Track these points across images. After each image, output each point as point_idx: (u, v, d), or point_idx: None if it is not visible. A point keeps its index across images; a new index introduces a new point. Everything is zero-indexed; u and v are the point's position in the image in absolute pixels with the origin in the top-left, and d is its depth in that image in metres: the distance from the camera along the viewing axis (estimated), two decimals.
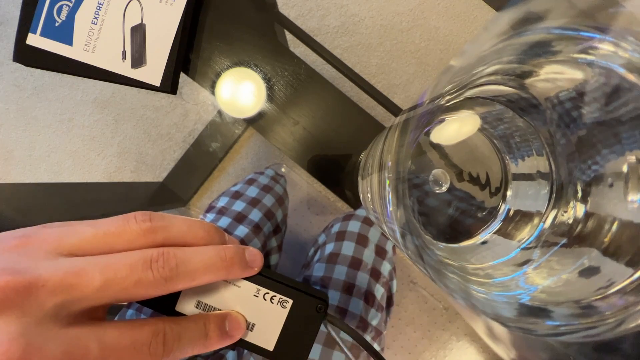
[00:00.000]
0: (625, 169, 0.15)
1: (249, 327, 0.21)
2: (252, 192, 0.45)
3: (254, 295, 0.20)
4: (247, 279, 0.20)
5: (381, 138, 0.20)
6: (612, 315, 0.13)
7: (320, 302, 0.20)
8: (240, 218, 0.42)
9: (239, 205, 0.43)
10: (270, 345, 0.20)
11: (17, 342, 0.12)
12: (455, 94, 0.18)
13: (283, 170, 0.88)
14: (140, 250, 0.15)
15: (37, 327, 0.12)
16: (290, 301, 0.20)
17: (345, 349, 0.20)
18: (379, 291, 0.38)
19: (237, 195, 0.45)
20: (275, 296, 0.20)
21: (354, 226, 0.41)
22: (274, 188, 0.48)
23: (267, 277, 0.20)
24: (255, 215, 0.43)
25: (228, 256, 0.17)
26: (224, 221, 0.41)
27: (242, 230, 0.41)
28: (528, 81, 0.17)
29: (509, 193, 0.21)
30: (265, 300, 0.20)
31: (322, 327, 0.35)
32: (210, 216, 0.43)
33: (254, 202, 0.44)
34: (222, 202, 0.44)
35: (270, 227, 0.44)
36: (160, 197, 0.88)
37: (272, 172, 0.51)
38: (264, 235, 0.43)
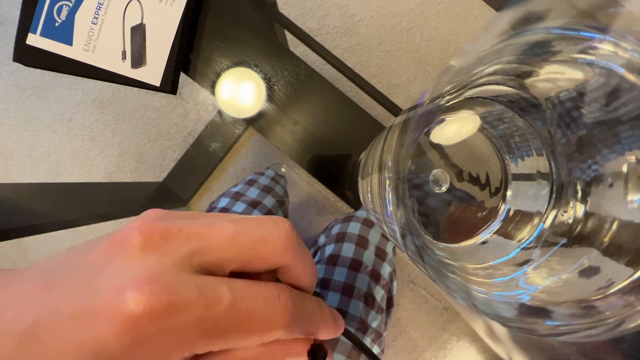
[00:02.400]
0: (625, 169, 0.15)
1: None
2: (253, 193, 0.45)
3: None
4: None
5: (381, 138, 0.20)
6: (612, 315, 0.13)
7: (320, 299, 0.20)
8: None
9: (239, 207, 0.43)
10: None
11: (160, 278, 0.12)
12: (455, 94, 0.18)
13: (283, 170, 0.88)
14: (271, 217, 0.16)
15: (174, 268, 0.13)
16: None
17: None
18: (379, 293, 0.38)
19: (237, 196, 0.45)
20: None
21: (354, 228, 0.41)
22: (275, 189, 0.48)
23: None
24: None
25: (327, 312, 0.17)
26: None
27: None
28: (528, 81, 0.17)
29: (509, 193, 0.21)
30: None
31: None
32: None
33: (254, 204, 0.44)
34: (222, 203, 0.44)
35: None
36: (160, 197, 0.88)
37: (273, 172, 0.51)
38: None
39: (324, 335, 0.17)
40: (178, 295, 0.12)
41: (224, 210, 0.43)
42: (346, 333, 0.21)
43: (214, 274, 0.14)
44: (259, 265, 0.15)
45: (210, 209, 0.45)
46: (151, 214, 0.15)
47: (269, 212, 0.45)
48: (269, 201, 0.45)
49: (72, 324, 0.12)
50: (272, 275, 0.16)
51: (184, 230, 0.14)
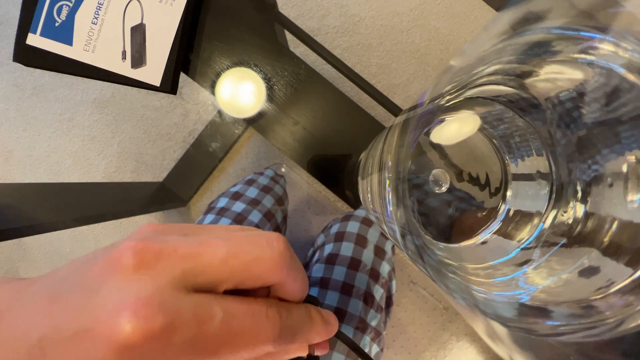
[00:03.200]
0: (625, 169, 0.15)
1: None
2: (252, 192, 0.45)
3: None
4: None
5: (381, 138, 0.20)
6: (612, 315, 0.13)
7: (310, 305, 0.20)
8: (240, 219, 0.42)
9: (238, 207, 0.43)
10: None
11: (154, 300, 0.13)
12: (455, 94, 0.18)
13: (283, 170, 0.88)
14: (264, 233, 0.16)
15: (169, 289, 0.13)
16: None
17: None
18: (378, 292, 0.38)
19: (236, 196, 0.45)
20: None
21: (352, 227, 0.41)
22: (274, 189, 0.48)
23: None
24: (255, 216, 0.43)
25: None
26: (224, 222, 0.41)
27: None
28: (528, 81, 0.17)
29: (508, 193, 0.21)
30: None
31: None
32: (210, 217, 0.43)
33: (253, 203, 0.44)
34: (221, 203, 0.44)
35: (270, 229, 0.44)
36: (160, 197, 0.88)
37: (272, 172, 0.51)
38: None
39: (317, 339, 0.18)
40: (172, 316, 0.13)
41: (223, 210, 0.43)
42: (344, 338, 0.21)
43: (207, 292, 0.14)
44: (252, 284, 0.15)
45: (210, 208, 0.45)
46: (147, 230, 0.15)
47: (268, 212, 0.44)
48: (268, 201, 0.45)
49: (73, 343, 0.12)
50: (266, 289, 0.17)
51: (177, 249, 0.14)
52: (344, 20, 0.88)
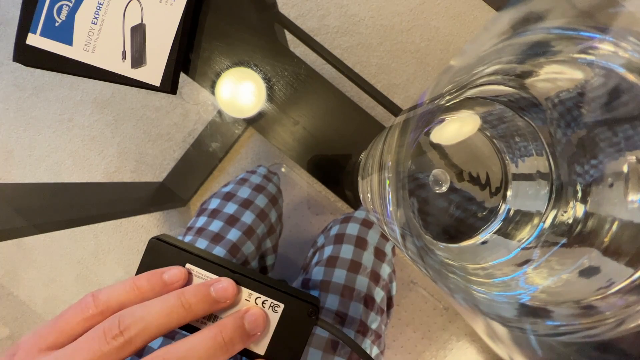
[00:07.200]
0: (625, 169, 0.15)
1: None
2: (244, 192, 0.44)
3: (246, 299, 0.20)
4: (238, 283, 0.20)
5: (381, 138, 0.20)
6: (612, 315, 0.13)
7: (311, 306, 0.20)
8: (232, 221, 0.41)
9: (230, 208, 0.42)
10: (261, 350, 0.20)
11: None
12: (455, 94, 0.18)
13: (283, 170, 0.88)
14: (95, 328, 0.17)
15: None
16: (282, 305, 0.20)
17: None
18: (379, 294, 0.38)
19: (229, 197, 0.44)
20: (266, 301, 0.20)
21: (352, 229, 0.40)
22: (267, 187, 0.46)
23: (258, 282, 0.20)
24: (248, 217, 0.42)
25: (227, 338, 0.18)
26: (216, 225, 0.41)
27: (234, 233, 0.40)
28: (528, 81, 0.17)
29: (509, 193, 0.21)
30: (257, 304, 0.20)
31: (323, 333, 0.35)
32: (202, 219, 0.42)
33: (246, 204, 0.43)
34: (213, 204, 0.43)
35: (264, 229, 0.44)
36: (160, 197, 0.88)
37: (265, 170, 0.50)
38: (258, 238, 0.42)
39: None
40: None
41: (215, 212, 0.42)
42: (339, 333, 0.21)
43: None
44: None
45: (202, 210, 0.44)
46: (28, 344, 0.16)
47: (262, 212, 0.43)
48: (261, 201, 0.44)
49: None
50: None
51: None
52: (344, 20, 0.88)
